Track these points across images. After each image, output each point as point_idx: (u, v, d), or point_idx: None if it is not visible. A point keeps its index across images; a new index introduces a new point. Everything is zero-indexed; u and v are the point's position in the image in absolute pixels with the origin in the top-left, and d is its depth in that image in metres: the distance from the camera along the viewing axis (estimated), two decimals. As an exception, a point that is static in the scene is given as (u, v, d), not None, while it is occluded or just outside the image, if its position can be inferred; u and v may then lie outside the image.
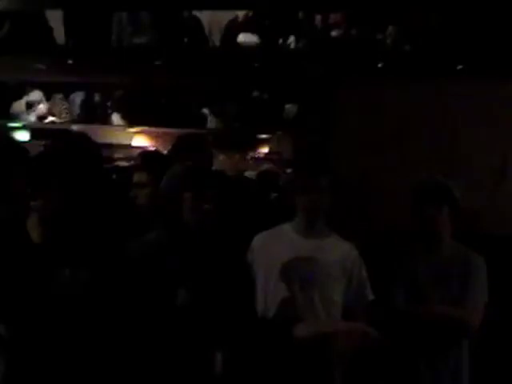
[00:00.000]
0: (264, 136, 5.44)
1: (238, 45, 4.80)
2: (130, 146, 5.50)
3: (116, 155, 5.32)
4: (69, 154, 2.76)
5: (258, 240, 3.30)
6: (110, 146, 5.27)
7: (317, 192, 3.17)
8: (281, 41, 4.83)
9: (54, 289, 2.75)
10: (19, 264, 2.67)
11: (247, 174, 5.17)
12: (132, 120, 5.37)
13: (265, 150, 5.51)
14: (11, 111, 5.33)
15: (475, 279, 3.40)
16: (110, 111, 5.45)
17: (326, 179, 3.17)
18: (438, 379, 3.32)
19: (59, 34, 4.83)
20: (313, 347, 3.05)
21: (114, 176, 4.57)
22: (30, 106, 5.35)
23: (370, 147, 4.63)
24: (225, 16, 4.94)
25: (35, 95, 5.37)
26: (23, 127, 5.41)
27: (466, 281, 3.38)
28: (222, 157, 5.12)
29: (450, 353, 3.36)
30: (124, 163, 5.10)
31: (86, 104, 5.42)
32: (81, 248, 2.74)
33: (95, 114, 5.42)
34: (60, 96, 5.42)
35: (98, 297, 2.73)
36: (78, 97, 5.42)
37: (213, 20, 4.96)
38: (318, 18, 4.87)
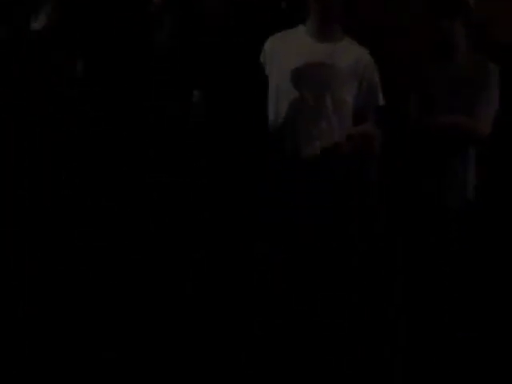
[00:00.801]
0: None
1: None
2: None
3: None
4: None
5: (270, 42, 3.27)
6: None
7: None
8: None
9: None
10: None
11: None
12: None
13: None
14: None
15: (488, 87, 3.38)
16: None
17: None
18: (445, 187, 3.39)
19: None
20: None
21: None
22: None
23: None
24: None
25: None
26: None
27: (480, 89, 3.37)
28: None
29: (456, 160, 3.39)
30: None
31: None
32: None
33: None
34: None
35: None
36: None
37: None
38: None
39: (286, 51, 3.20)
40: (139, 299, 2.93)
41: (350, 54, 3.20)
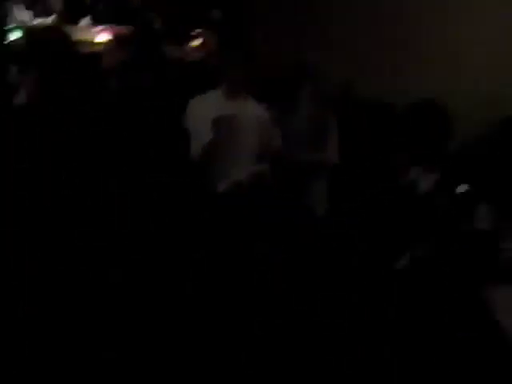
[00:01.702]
0: (197, 31, 6.68)
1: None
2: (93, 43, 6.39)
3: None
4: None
5: (191, 104, 4.06)
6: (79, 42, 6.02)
7: (237, 65, 4.02)
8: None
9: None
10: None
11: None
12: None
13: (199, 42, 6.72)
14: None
15: (331, 128, 4.60)
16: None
17: (242, 56, 4.00)
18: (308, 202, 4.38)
19: None
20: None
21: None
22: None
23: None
24: None
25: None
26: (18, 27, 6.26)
27: (325, 129, 4.58)
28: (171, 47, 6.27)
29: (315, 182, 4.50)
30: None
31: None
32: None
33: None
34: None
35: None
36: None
37: None
38: None
39: (206, 107, 3.95)
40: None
41: (254, 110, 4.11)
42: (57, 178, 3.15)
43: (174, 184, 3.83)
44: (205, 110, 3.92)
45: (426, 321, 3.23)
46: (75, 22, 6.50)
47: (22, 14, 6.33)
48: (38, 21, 6.37)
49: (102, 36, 6.25)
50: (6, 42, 4.48)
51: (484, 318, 3.32)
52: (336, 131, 4.64)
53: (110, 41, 5.51)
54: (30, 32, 5.25)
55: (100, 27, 6.35)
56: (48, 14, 6.51)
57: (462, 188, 3.96)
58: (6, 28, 5.87)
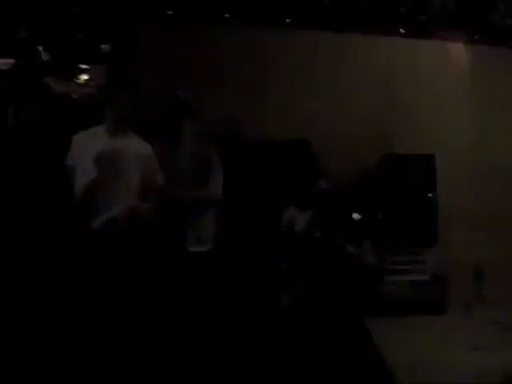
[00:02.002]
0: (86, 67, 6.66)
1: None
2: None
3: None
4: None
5: (75, 140, 4.05)
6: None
7: (122, 104, 4.09)
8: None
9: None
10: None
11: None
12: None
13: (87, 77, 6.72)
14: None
15: (214, 164, 4.61)
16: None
17: (128, 94, 4.09)
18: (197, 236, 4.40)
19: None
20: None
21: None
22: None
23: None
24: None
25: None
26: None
27: (210, 169, 4.60)
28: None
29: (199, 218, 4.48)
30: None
31: None
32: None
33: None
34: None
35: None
36: None
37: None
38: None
39: (90, 145, 3.96)
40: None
41: (136, 146, 4.13)
42: None
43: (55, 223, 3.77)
44: (88, 147, 3.93)
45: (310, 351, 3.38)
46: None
47: None
48: None
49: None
50: None
51: (367, 348, 3.58)
52: (220, 168, 4.69)
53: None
54: None
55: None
56: None
57: (356, 216, 4.18)
58: None
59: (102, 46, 6.59)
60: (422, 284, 6.00)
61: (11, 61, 5.50)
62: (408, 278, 6.01)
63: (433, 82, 6.43)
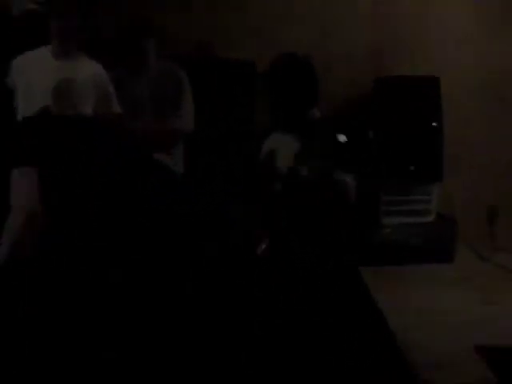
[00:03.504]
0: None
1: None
2: None
3: None
4: None
5: (17, 62, 3.71)
6: None
7: (68, 18, 3.66)
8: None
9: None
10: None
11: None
12: None
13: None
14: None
15: (185, 91, 4.07)
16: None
17: (75, 7, 3.66)
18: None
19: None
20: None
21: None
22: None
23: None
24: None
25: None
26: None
27: (178, 93, 4.04)
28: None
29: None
30: None
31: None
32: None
33: None
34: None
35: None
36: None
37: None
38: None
39: (34, 69, 3.63)
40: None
41: (88, 70, 3.72)
42: None
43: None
44: (31, 72, 3.63)
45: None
46: None
47: None
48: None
49: None
50: None
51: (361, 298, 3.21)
52: (190, 94, 4.11)
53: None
54: None
55: None
56: None
57: (341, 138, 3.53)
58: None
59: None
60: (424, 227, 5.07)
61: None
62: (408, 220, 5.09)
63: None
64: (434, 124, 5.07)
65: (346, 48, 5.28)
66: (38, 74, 3.62)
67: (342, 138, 3.44)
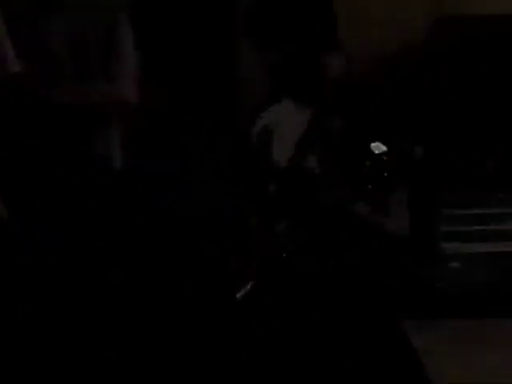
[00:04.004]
0: None
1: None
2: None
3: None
4: None
5: None
6: None
7: None
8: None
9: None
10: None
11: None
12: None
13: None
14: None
15: (123, 43, 2.86)
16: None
17: None
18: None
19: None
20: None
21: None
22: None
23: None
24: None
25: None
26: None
27: (112, 46, 2.85)
28: None
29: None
30: None
31: None
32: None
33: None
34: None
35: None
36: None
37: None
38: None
39: None
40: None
41: None
42: None
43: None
44: None
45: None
46: None
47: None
48: None
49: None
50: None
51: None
52: (132, 46, 2.89)
53: None
54: None
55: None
56: None
57: (377, 147, 2.58)
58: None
59: None
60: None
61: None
62: (485, 249, 3.22)
63: None
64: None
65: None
66: None
67: (379, 147, 2.45)
